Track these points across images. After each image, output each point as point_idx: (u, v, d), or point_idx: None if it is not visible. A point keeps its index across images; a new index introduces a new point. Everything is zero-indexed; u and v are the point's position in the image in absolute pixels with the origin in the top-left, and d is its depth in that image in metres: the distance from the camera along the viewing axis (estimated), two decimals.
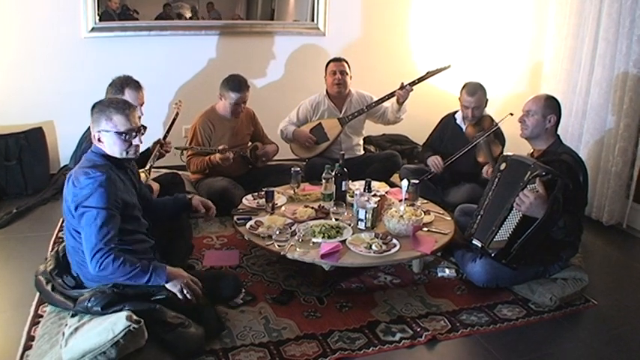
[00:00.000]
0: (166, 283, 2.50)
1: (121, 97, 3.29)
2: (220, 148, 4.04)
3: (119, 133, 2.53)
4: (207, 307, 2.64)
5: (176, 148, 4.08)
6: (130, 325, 2.23)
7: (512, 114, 3.80)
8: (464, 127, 4.23)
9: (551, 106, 3.21)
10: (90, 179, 2.43)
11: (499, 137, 4.08)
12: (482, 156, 3.94)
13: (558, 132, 3.28)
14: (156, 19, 4.99)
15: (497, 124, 3.98)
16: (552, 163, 2.99)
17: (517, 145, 3.58)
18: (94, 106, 2.57)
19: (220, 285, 2.84)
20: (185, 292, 2.52)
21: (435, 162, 4.19)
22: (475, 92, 4.10)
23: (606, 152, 4.20)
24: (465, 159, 4.13)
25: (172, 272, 2.54)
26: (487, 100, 4.17)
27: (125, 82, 3.34)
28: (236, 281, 2.83)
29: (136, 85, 3.39)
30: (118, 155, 2.58)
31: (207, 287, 2.66)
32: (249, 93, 4.24)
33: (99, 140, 2.55)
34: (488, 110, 4.20)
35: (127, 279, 2.43)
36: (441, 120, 4.49)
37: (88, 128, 3.31)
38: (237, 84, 4.14)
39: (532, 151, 3.35)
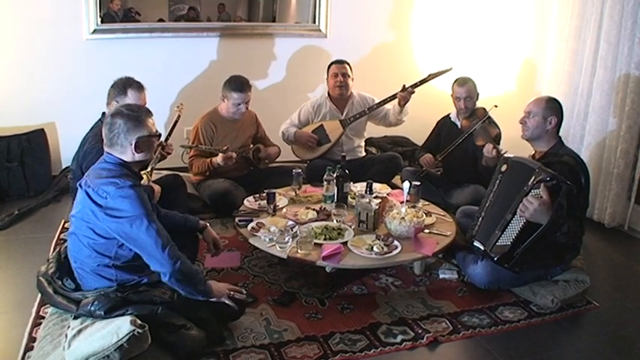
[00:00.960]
0: (210, 297, 2.58)
1: (124, 98, 3.29)
2: (225, 148, 4.04)
3: (155, 136, 2.57)
4: (211, 321, 2.62)
5: (181, 146, 4.09)
6: (134, 330, 2.24)
7: (496, 106, 4.05)
8: (459, 123, 4.26)
9: (551, 107, 3.21)
10: (120, 189, 2.38)
11: (493, 123, 4.14)
12: (481, 139, 3.98)
13: (560, 134, 3.28)
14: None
15: (489, 110, 4.10)
16: (554, 165, 2.98)
17: (517, 147, 3.58)
18: (119, 117, 2.47)
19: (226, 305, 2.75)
20: (232, 294, 2.66)
21: (425, 160, 4.30)
22: (465, 83, 4.19)
23: (608, 154, 4.19)
24: (466, 159, 4.17)
25: (218, 287, 2.64)
26: (478, 93, 4.23)
27: (127, 83, 3.34)
28: (242, 304, 2.82)
29: (139, 86, 3.39)
30: (147, 158, 2.58)
31: (214, 305, 2.64)
32: (252, 94, 4.23)
33: (137, 149, 2.49)
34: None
35: (197, 284, 2.51)
36: (437, 123, 4.54)
37: (91, 129, 3.34)
38: (239, 84, 4.13)
39: (533, 152, 3.35)
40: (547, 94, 3.51)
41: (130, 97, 3.30)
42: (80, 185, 2.51)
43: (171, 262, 2.40)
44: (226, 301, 2.62)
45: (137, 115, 2.50)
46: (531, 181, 2.86)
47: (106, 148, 2.53)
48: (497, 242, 2.99)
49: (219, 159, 4.03)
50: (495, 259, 2.99)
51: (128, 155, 2.50)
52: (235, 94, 4.12)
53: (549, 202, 2.79)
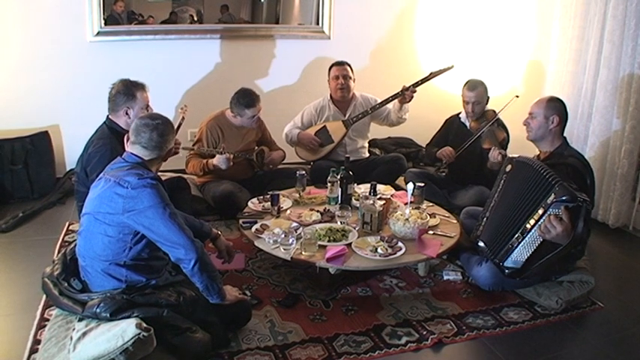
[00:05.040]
0: (224, 300, 2.62)
1: (134, 101, 3.27)
2: (221, 149, 4.03)
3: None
4: (216, 324, 2.62)
5: (183, 148, 4.08)
6: (139, 333, 2.24)
7: (517, 96, 3.96)
8: (468, 124, 4.25)
9: (553, 107, 3.21)
10: (143, 179, 2.44)
11: (502, 125, 4.12)
12: (488, 143, 3.98)
13: (565, 135, 3.28)
14: (162, 23, 5.03)
15: (500, 111, 4.06)
16: (559, 167, 2.98)
17: (524, 148, 3.58)
18: (167, 127, 2.60)
19: (233, 311, 2.75)
20: (239, 295, 2.75)
21: (445, 152, 4.24)
22: (475, 87, 4.16)
23: (612, 154, 4.19)
24: (473, 160, 4.16)
25: (229, 291, 2.69)
26: (488, 97, 4.21)
27: (133, 87, 3.30)
28: (248, 312, 2.83)
29: (143, 86, 3.37)
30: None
31: (221, 310, 2.65)
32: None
33: (169, 154, 2.68)
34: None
35: (217, 279, 2.56)
36: (445, 122, 4.51)
37: (95, 132, 3.33)
38: (249, 100, 4.13)
39: (538, 153, 3.34)
40: (550, 95, 3.50)
41: (139, 99, 3.29)
42: (96, 183, 2.56)
43: (197, 248, 2.46)
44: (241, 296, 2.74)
45: (172, 129, 2.67)
46: (551, 199, 2.79)
47: (136, 149, 2.57)
48: (510, 256, 2.98)
49: (215, 160, 4.02)
50: (507, 272, 2.98)
51: (155, 158, 2.61)
52: (249, 111, 4.13)
53: (571, 227, 2.75)
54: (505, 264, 3.00)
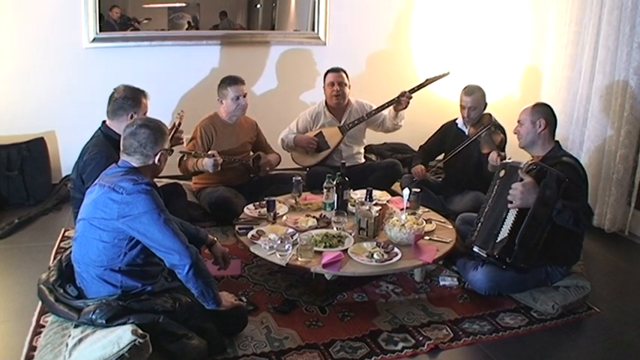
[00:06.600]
0: (219, 306, 2.60)
1: (139, 107, 3.28)
2: (210, 152, 4.01)
3: (169, 151, 2.70)
4: (212, 330, 2.62)
5: (180, 152, 4.06)
6: (135, 340, 2.23)
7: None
8: (466, 131, 4.24)
9: (539, 111, 3.24)
10: (138, 185, 2.44)
11: (499, 128, 4.12)
12: (486, 147, 3.97)
13: (560, 140, 3.29)
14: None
15: (490, 111, 4.10)
16: (555, 167, 2.99)
17: (520, 153, 3.58)
18: (146, 128, 2.54)
19: (230, 317, 2.75)
20: (235, 301, 2.74)
21: (416, 170, 4.30)
22: (473, 92, 4.16)
23: (607, 159, 4.20)
24: (470, 165, 4.16)
25: (224, 297, 2.68)
26: (486, 103, 4.20)
27: (139, 93, 3.30)
28: (244, 318, 2.82)
29: (145, 94, 3.38)
30: (160, 173, 2.70)
31: (217, 316, 2.64)
32: (247, 90, 4.27)
33: (158, 160, 2.59)
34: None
35: (212, 285, 2.55)
36: (441, 127, 4.50)
37: (91, 139, 3.34)
38: (232, 79, 4.17)
39: (531, 158, 3.35)
40: (545, 100, 3.51)
41: (143, 105, 3.30)
42: (91, 188, 2.56)
43: (191, 253, 2.45)
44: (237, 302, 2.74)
45: (164, 129, 2.63)
46: (519, 178, 2.96)
47: (124, 157, 2.57)
48: (497, 240, 3.00)
49: (203, 162, 3.96)
50: (497, 255, 2.98)
51: (147, 164, 2.58)
52: (230, 89, 4.15)
53: (533, 182, 2.88)
54: (495, 250, 3.01)
